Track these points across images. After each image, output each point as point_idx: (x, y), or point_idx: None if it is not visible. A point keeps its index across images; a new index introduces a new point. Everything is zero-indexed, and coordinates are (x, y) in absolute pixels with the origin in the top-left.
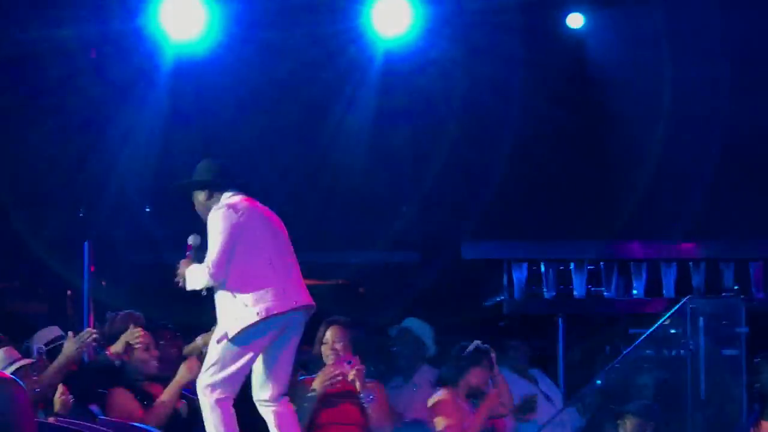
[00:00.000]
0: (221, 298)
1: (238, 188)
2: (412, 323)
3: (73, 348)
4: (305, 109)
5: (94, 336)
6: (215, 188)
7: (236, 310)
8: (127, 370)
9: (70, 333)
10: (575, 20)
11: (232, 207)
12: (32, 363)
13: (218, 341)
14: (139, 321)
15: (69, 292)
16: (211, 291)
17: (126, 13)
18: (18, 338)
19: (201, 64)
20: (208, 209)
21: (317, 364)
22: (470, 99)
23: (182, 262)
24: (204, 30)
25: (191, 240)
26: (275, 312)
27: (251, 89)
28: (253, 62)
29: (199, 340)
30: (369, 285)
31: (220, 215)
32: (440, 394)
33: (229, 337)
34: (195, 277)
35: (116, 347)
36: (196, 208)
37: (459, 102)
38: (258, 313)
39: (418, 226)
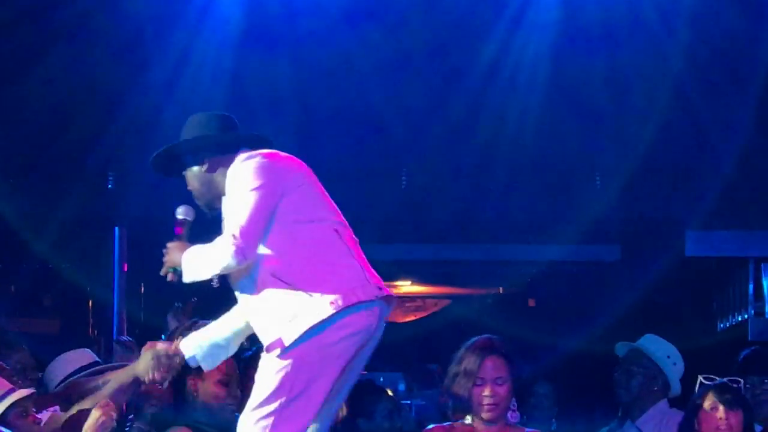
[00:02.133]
0: (260, 291)
1: (253, 147)
2: (647, 342)
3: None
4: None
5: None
6: (222, 149)
7: (294, 305)
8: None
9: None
10: None
11: (266, 154)
12: (32, 394)
13: (265, 365)
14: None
15: (90, 303)
16: (225, 282)
17: None
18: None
19: None
20: (211, 184)
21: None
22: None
23: (170, 245)
24: None
25: (181, 212)
26: (363, 299)
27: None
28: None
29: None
30: (542, 294)
31: (252, 165)
32: None
33: (287, 344)
34: (200, 261)
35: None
36: (189, 186)
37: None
38: (334, 303)
39: (619, 208)
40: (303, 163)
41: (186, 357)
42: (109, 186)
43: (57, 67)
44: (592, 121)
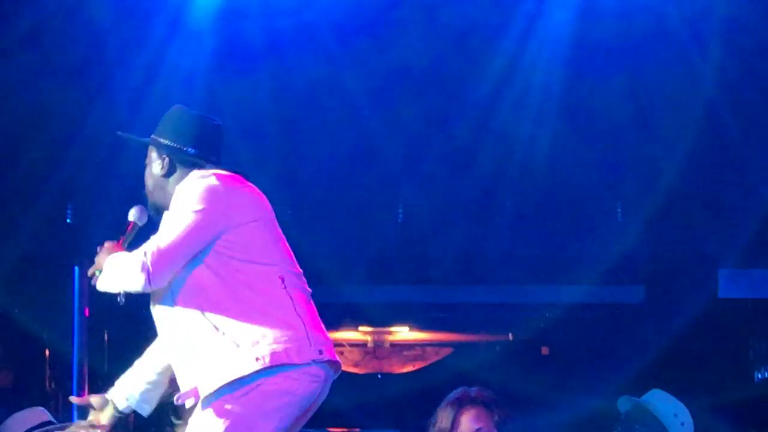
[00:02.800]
0: (184, 327)
1: (218, 167)
2: (655, 398)
3: None
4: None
5: None
6: (185, 159)
7: (216, 353)
8: None
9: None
10: None
11: (221, 177)
12: None
13: (189, 414)
14: None
15: (47, 353)
16: (140, 303)
17: None
18: None
19: None
20: (163, 189)
21: None
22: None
23: (106, 244)
24: None
25: (132, 214)
26: (296, 361)
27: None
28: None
29: None
30: (557, 341)
31: (202, 185)
32: None
33: (201, 396)
34: (113, 273)
35: None
36: (145, 179)
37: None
38: (260, 359)
39: (644, 244)
40: (264, 199)
41: (120, 408)
42: (68, 220)
43: (8, 88)
44: (612, 146)
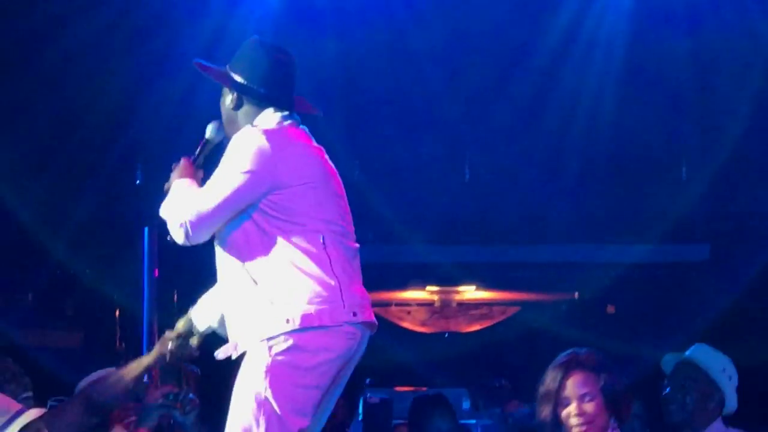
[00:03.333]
0: (232, 278)
1: (289, 111)
2: (701, 353)
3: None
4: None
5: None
6: (255, 97)
7: (254, 308)
8: None
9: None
10: None
11: (274, 134)
12: (43, 415)
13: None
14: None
15: (117, 313)
16: (208, 262)
17: None
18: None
19: None
20: (233, 122)
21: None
22: None
23: (182, 162)
24: None
25: (209, 129)
26: (327, 323)
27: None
28: None
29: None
30: (622, 300)
31: (255, 143)
32: None
33: (240, 351)
34: (174, 203)
35: None
36: (220, 107)
37: None
38: (291, 320)
39: (708, 203)
40: (319, 157)
41: (201, 330)
42: (137, 181)
43: (75, 46)
44: (676, 105)
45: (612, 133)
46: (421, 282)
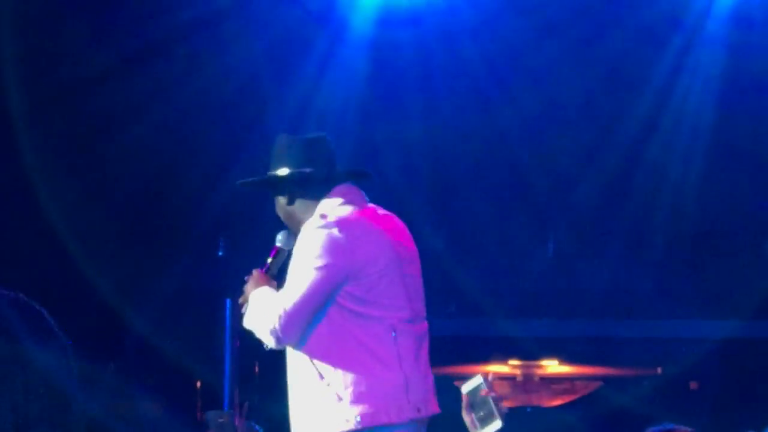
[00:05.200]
0: (298, 371)
1: (348, 181)
2: None
3: None
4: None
5: None
6: (304, 181)
7: (320, 402)
8: None
9: None
10: None
11: (345, 224)
12: None
13: None
14: None
15: (198, 384)
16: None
17: None
18: None
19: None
20: (292, 217)
21: None
22: None
23: (254, 273)
24: None
25: (279, 239)
26: (395, 421)
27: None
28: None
29: None
30: (706, 375)
31: (325, 236)
32: None
33: None
34: (258, 312)
35: None
36: (277, 211)
37: None
38: (359, 419)
39: None
40: (392, 237)
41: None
42: (220, 253)
43: (161, 120)
44: (761, 179)
45: (697, 207)
46: (503, 356)
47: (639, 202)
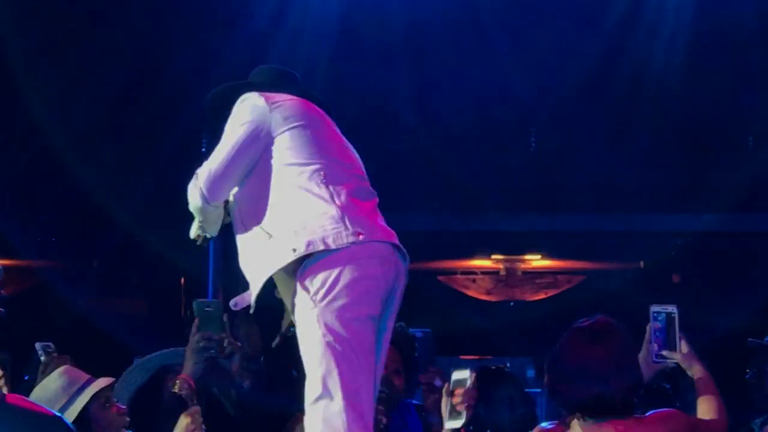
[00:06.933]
0: (240, 237)
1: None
2: None
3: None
4: None
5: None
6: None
7: (260, 252)
8: None
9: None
10: None
11: (264, 92)
12: (112, 383)
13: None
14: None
15: (182, 281)
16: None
17: None
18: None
19: None
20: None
21: None
22: None
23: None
24: None
25: None
26: (331, 246)
27: None
28: None
29: None
30: (688, 268)
31: (244, 103)
32: None
33: (253, 298)
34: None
35: None
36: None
37: None
38: (298, 248)
39: None
40: (310, 105)
41: None
42: (203, 149)
43: (148, 10)
44: (744, 74)
45: (680, 102)
46: (487, 251)
47: (622, 96)
